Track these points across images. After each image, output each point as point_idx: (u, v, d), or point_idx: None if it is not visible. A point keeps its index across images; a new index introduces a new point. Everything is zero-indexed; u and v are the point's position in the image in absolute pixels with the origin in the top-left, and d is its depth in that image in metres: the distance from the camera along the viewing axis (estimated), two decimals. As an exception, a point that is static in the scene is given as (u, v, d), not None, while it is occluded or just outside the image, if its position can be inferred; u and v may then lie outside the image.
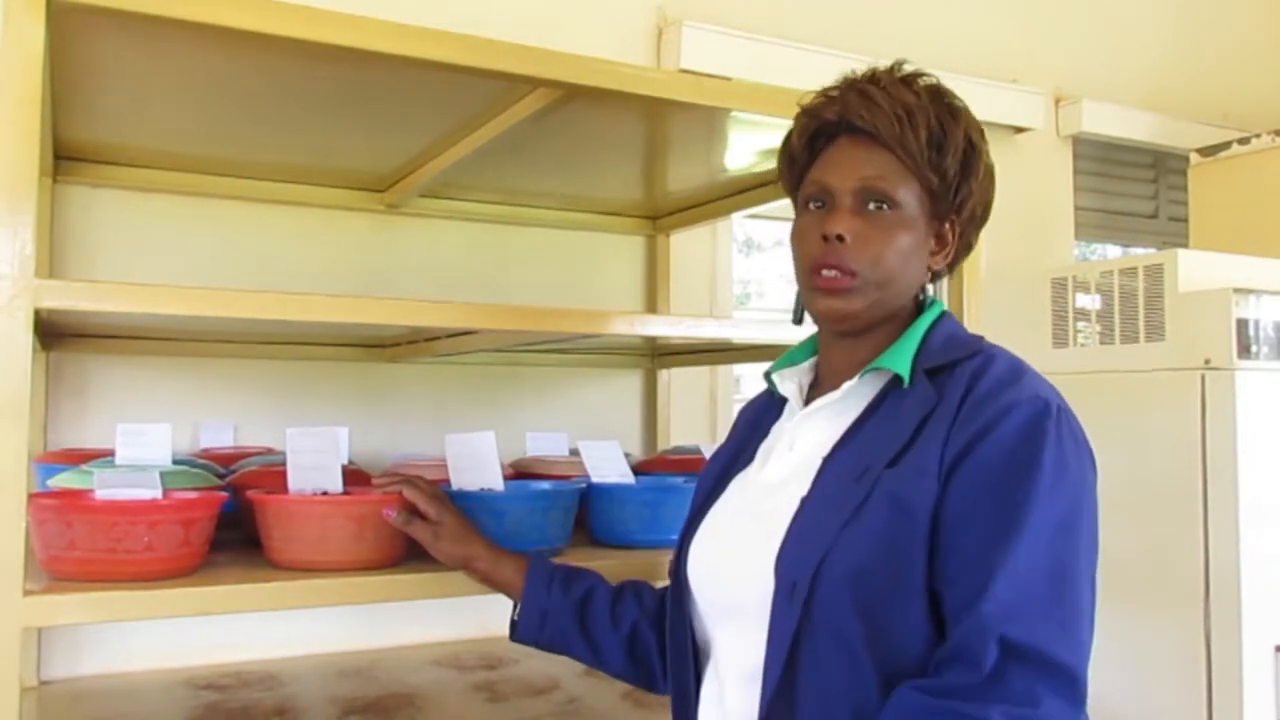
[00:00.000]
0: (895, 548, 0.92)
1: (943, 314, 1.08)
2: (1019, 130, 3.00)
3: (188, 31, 1.10)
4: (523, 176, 1.99)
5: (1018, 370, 0.99)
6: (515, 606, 1.24)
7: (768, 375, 1.16)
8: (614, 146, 1.77)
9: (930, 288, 1.12)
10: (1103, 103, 3.14)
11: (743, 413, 1.23)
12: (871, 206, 1.04)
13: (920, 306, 1.10)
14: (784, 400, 1.15)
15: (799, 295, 1.11)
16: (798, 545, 0.96)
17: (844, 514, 0.94)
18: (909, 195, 1.04)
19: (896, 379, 1.02)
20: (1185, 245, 3.05)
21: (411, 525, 1.25)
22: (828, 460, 1.01)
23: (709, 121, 1.54)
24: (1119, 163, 3.38)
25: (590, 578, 1.25)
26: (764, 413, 1.18)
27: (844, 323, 1.06)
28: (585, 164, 1.89)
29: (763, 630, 0.96)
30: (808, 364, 1.15)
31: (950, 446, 0.94)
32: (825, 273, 1.03)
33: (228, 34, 1.11)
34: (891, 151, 1.03)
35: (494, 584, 1.25)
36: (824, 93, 1.10)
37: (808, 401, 1.11)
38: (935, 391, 0.98)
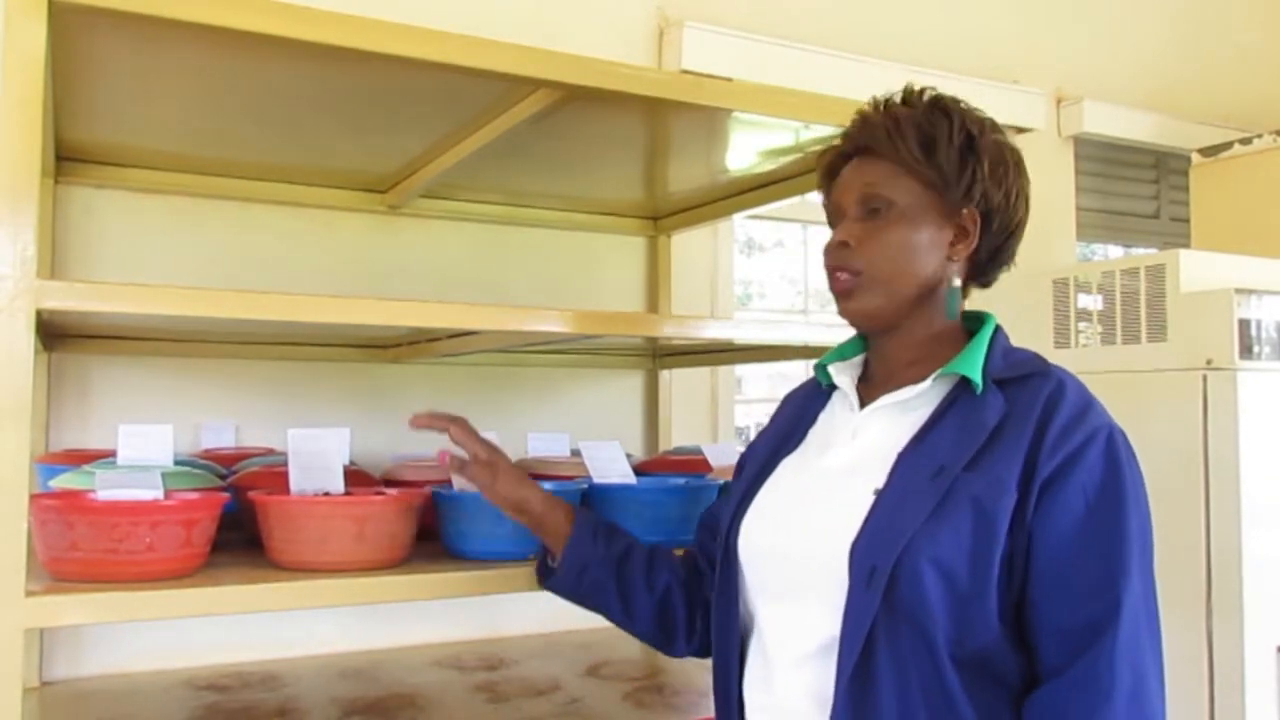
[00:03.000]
0: (975, 547, 0.98)
1: (998, 327, 1.15)
2: (1020, 131, 2.99)
3: (188, 31, 1.10)
4: (524, 177, 1.99)
5: (1087, 398, 1.07)
6: (549, 555, 1.26)
7: (819, 366, 1.22)
8: (615, 147, 1.77)
9: (956, 290, 1.16)
10: (1104, 103, 3.14)
11: (788, 400, 1.28)
12: (873, 211, 1.12)
13: (973, 314, 1.17)
14: (830, 391, 1.21)
15: None
16: (877, 534, 1.00)
17: (924, 509, 0.99)
18: (905, 194, 1.11)
19: (963, 384, 1.08)
20: (1187, 245, 3.04)
21: (466, 469, 1.26)
22: (903, 456, 1.05)
23: (710, 122, 1.54)
24: (1120, 163, 3.38)
25: (628, 536, 1.28)
26: (810, 401, 1.23)
27: (866, 323, 1.14)
28: (586, 164, 1.89)
29: (825, 613, 1.02)
30: (857, 359, 1.22)
31: (1041, 468, 1.00)
32: (838, 275, 1.13)
33: (228, 34, 1.11)
34: (887, 159, 1.12)
35: (544, 529, 1.26)
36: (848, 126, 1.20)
37: (860, 395, 1.17)
38: (1005, 401, 1.05)
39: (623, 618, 1.26)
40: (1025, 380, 1.07)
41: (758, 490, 1.17)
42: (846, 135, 1.18)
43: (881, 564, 0.98)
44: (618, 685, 1.86)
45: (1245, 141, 2.95)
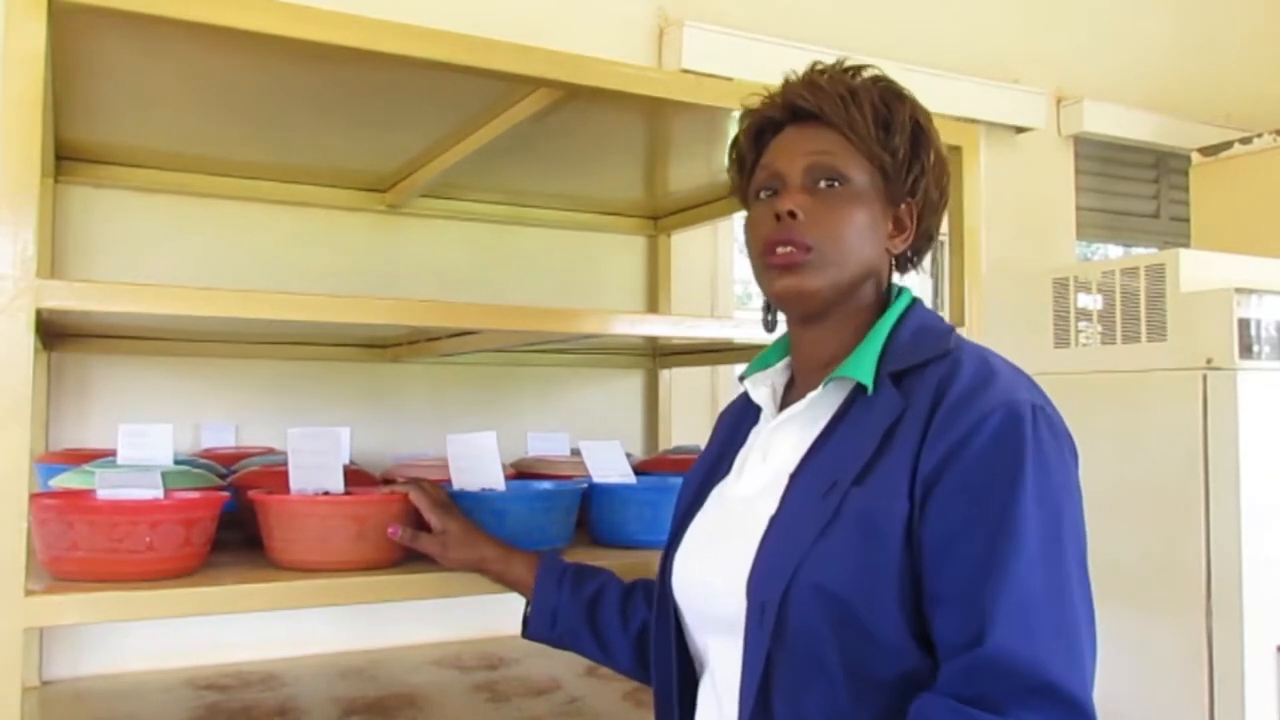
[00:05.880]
0: (867, 569, 0.89)
1: (911, 304, 1.05)
2: (1020, 130, 2.99)
3: (188, 31, 1.10)
4: (524, 177, 1.99)
5: (987, 372, 0.95)
6: (527, 603, 1.25)
7: (741, 380, 1.14)
8: (615, 146, 1.76)
9: (897, 280, 1.09)
10: (1104, 102, 3.14)
11: (721, 418, 1.21)
12: (822, 184, 1.02)
13: (886, 299, 1.07)
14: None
15: (768, 301, 1.11)
16: (767, 565, 0.94)
17: (811, 533, 0.92)
18: (859, 172, 1.02)
19: (862, 385, 0.99)
20: (1187, 245, 3.05)
21: (418, 541, 1.25)
22: (795, 476, 0.98)
23: (710, 121, 1.54)
24: (1120, 162, 3.38)
25: (602, 576, 1.25)
26: (742, 418, 1.16)
27: (804, 303, 1.03)
28: (586, 164, 1.89)
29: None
30: (781, 365, 1.13)
31: (924, 462, 0.90)
32: (779, 249, 1.01)
33: (228, 34, 1.11)
34: (839, 131, 1.02)
35: (506, 584, 1.25)
36: (767, 93, 1.10)
37: (783, 404, 1.09)
38: (902, 397, 0.95)
39: (604, 659, 1.23)
40: (924, 368, 0.96)
41: (689, 524, 1.11)
42: (788, 96, 1.05)
43: (769, 598, 0.91)
44: (618, 685, 1.86)
45: (1245, 141, 2.95)
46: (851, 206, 1.01)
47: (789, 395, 1.11)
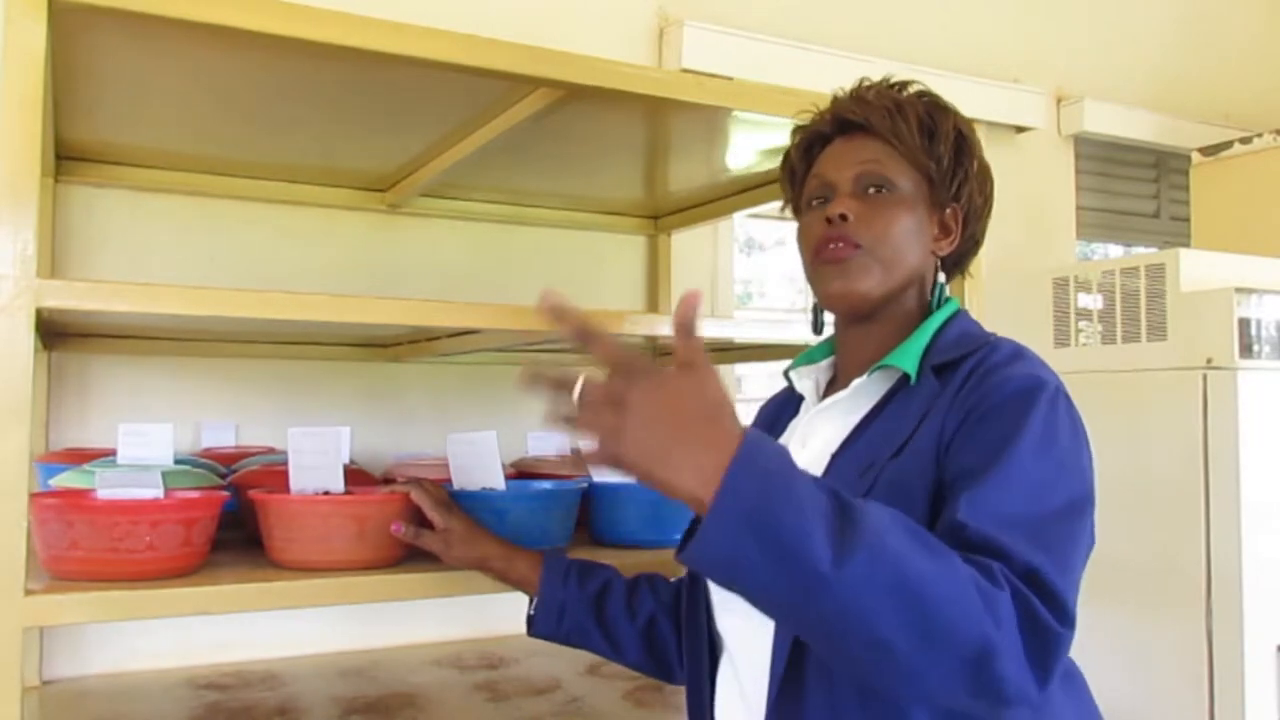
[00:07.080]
0: None
1: (958, 311, 1.10)
2: (1020, 130, 2.99)
3: (188, 31, 1.10)
4: (524, 176, 1.99)
5: (1019, 354, 1.01)
6: (531, 602, 1.25)
7: (786, 373, 1.19)
8: (615, 146, 1.76)
9: (943, 285, 1.13)
10: (1104, 102, 3.14)
11: (763, 409, 1.26)
12: (871, 191, 1.08)
13: (931, 302, 1.11)
14: (802, 397, 1.18)
15: (815, 304, 1.15)
16: None
17: None
18: (906, 179, 1.08)
19: (907, 376, 1.03)
20: (1187, 245, 3.04)
21: (421, 538, 1.25)
22: (835, 456, 1.03)
23: (710, 121, 1.54)
24: (1121, 162, 3.38)
25: (606, 571, 1.26)
26: (782, 409, 1.21)
27: (856, 306, 1.08)
28: (587, 164, 1.89)
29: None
30: (826, 362, 1.18)
31: (949, 422, 0.95)
32: (835, 245, 1.06)
33: (228, 34, 1.11)
34: (886, 141, 1.09)
35: (510, 582, 1.26)
36: (817, 111, 1.17)
37: (824, 399, 1.14)
38: (940, 386, 1.00)
39: (612, 654, 1.25)
40: (963, 360, 1.01)
41: None
42: (837, 110, 1.13)
43: None
44: (618, 684, 1.86)
45: (1245, 141, 2.95)
46: (899, 210, 1.07)
47: (831, 391, 1.15)
